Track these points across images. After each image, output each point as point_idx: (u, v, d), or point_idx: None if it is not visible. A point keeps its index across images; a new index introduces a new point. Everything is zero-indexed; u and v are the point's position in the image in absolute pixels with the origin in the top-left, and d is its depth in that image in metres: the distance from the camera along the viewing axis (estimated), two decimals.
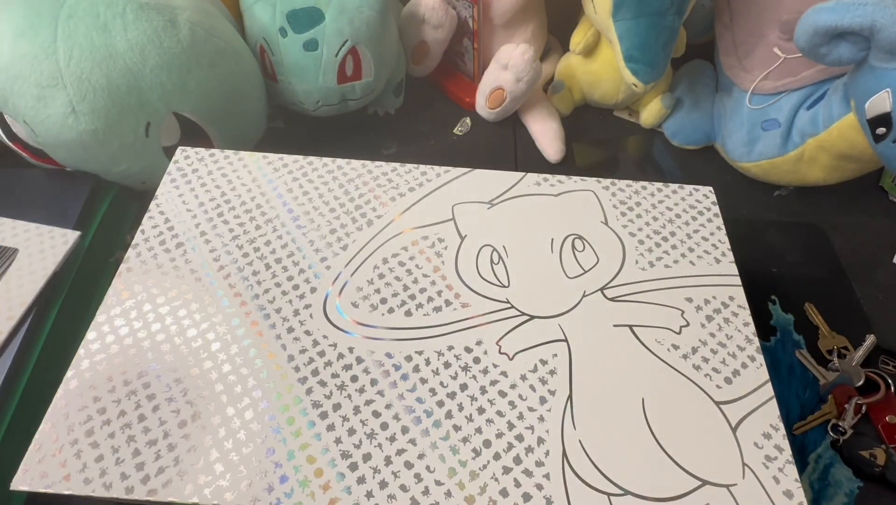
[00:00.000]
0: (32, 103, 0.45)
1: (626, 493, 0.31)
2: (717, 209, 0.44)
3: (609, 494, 0.31)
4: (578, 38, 0.64)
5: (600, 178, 0.46)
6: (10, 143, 0.51)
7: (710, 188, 0.46)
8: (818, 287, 0.53)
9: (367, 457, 0.32)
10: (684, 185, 0.46)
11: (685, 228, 0.43)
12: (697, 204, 0.45)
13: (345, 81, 0.58)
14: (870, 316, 0.51)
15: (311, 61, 0.56)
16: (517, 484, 0.31)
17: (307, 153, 0.46)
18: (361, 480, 0.31)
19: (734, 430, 0.33)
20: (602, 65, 0.65)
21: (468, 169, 0.46)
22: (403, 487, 0.31)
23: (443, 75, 0.72)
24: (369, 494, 0.30)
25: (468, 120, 0.68)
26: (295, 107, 0.61)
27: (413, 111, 0.69)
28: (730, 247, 0.42)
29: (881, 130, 0.47)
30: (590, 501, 0.31)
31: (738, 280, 0.40)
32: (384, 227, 0.42)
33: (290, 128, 0.66)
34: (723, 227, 0.43)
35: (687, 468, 0.32)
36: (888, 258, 0.56)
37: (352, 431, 0.32)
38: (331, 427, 0.32)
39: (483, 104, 0.66)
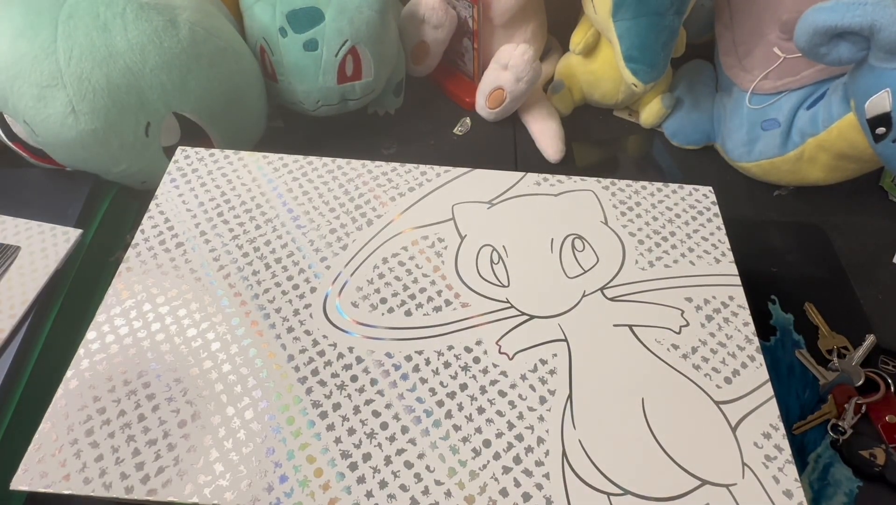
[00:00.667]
0: (32, 103, 0.45)
1: (626, 492, 0.31)
2: (717, 209, 0.44)
3: (609, 494, 0.31)
4: (578, 38, 0.64)
5: (600, 179, 0.46)
6: (10, 143, 0.51)
7: (710, 188, 0.46)
8: (818, 287, 0.53)
9: (366, 456, 0.32)
10: (684, 185, 0.46)
11: (685, 228, 0.43)
12: (697, 204, 0.45)
13: (345, 81, 0.58)
14: (870, 316, 0.51)
15: (311, 61, 0.56)
16: (517, 484, 0.31)
17: (307, 153, 0.47)
18: (361, 480, 0.31)
19: (734, 429, 0.33)
20: (602, 65, 0.65)
21: (468, 169, 0.46)
22: (403, 487, 0.31)
23: (443, 75, 0.72)
24: (369, 494, 0.30)
25: (468, 120, 0.68)
26: (295, 107, 0.61)
27: (413, 111, 0.69)
28: (730, 247, 0.42)
29: (881, 130, 0.47)
30: (589, 500, 0.31)
31: (737, 280, 0.40)
32: (384, 227, 0.42)
33: (290, 128, 0.66)
34: (723, 227, 0.43)
35: (687, 468, 0.32)
36: (888, 258, 0.56)
37: (351, 431, 0.32)
38: (330, 427, 0.32)
39: (483, 104, 0.66)
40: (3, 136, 0.50)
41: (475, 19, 0.63)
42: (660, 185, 0.46)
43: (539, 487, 0.31)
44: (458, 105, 0.70)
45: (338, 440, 0.32)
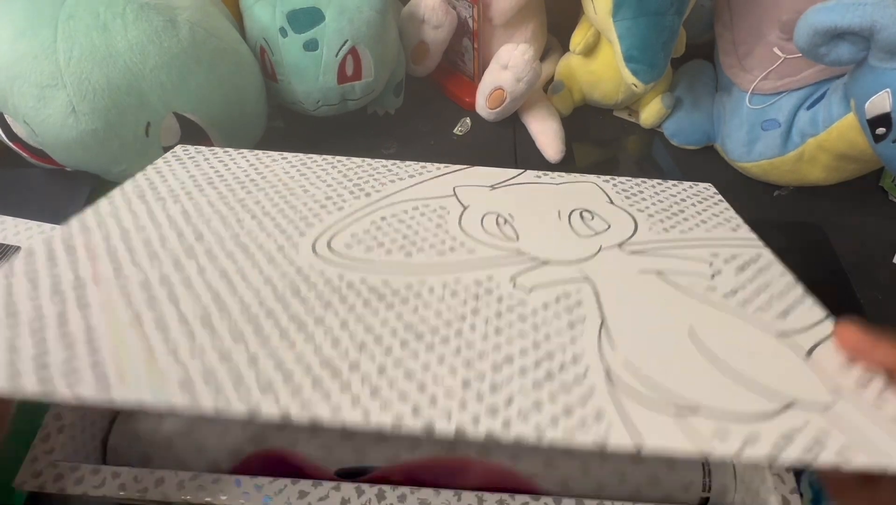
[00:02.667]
0: (32, 103, 0.45)
1: (697, 406, 0.25)
2: (720, 197, 0.43)
3: (676, 405, 0.25)
4: (578, 38, 0.65)
5: (601, 176, 0.45)
6: (10, 143, 0.51)
7: (710, 184, 0.45)
8: (818, 287, 0.52)
9: (354, 366, 0.26)
10: (684, 182, 0.45)
11: (694, 208, 0.41)
12: (700, 194, 0.44)
13: (345, 81, 0.58)
14: (870, 316, 0.51)
15: (311, 61, 0.56)
16: (553, 400, 0.25)
17: (307, 153, 0.46)
18: (346, 388, 0.25)
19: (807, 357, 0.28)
20: (602, 65, 0.65)
21: (468, 165, 0.45)
22: (403, 397, 0.25)
23: (443, 75, 0.72)
24: (356, 401, 0.24)
25: (468, 120, 0.68)
26: (295, 107, 0.61)
27: (413, 111, 0.69)
28: (742, 221, 0.39)
29: (881, 130, 0.47)
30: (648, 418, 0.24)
31: (760, 243, 0.37)
32: (383, 198, 0.39)
33: (290, 128, 0.66)
34: (731, 208, 0.41)
35: (769, 385, 0.26)
36: (888, 258, 0.56)
37: (336, 343, 0.27)
38: (310, 338, 0.27)
39: (483, 104, 0.66)
40: (3, 136, 0.50)
41: (475, 19, 0.63)
42: (660, 181, 0.45)
43: (583, 401, 0.25)
44: (458, 105, 0.70)
45: (318, 350, 0.26)
